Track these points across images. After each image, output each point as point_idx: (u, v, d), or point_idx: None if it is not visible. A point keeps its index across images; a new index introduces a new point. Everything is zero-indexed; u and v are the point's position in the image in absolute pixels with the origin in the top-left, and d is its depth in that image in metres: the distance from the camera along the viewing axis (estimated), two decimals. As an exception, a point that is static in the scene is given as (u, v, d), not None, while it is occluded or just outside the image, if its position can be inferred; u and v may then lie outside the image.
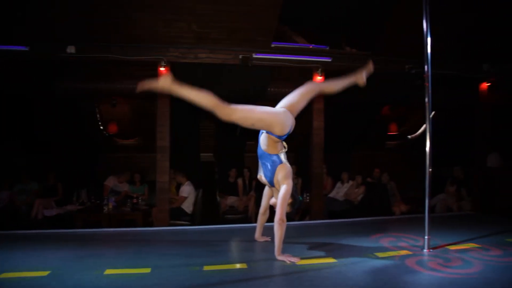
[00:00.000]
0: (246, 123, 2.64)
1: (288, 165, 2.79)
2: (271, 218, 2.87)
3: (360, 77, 3.11)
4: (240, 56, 5.67)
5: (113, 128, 8.66)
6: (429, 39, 2.97)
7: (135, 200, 6.45)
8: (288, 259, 2.53)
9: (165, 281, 2.18)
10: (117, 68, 6.33)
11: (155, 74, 5.66)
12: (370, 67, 3.13)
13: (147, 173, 7.74)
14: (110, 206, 6.01)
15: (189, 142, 8.36)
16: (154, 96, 5.74)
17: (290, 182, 2.69)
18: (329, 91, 3.04)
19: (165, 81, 2.51)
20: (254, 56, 5.71)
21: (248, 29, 5.36)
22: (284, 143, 2.87)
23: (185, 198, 6.32)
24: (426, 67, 2.99)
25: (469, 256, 2.64)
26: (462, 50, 6.20)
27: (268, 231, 2.97)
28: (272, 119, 2.68)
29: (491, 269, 2.34)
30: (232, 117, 2.58)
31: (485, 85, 6.82)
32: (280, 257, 2.57)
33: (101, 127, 8.56)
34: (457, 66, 6.49)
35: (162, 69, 5.54)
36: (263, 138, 2.84)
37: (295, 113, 2.88)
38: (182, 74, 6.06)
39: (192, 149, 8.68)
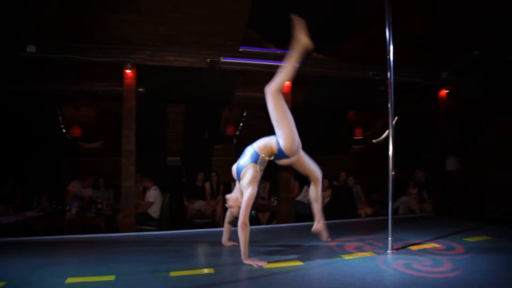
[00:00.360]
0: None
1: (259, 170, 2.83)
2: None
3: (301, 40, 3.08)
4: (208, 60, 5.66)
5: (76, 131, 8.38)
6: (391, 47, 3.07)
7: (99, 206, 6.27)
8: (255, 263, 2.54)
9: (130, 288, 2.14)
10: (81, 70, 6.15)
11: (121, 77, 5.55)
12: (299, 23, 3.08)
13: (112, 178, 7.54)
14: (73, 212, 5.81)
15: (155, 146, 8.24)
16: (120, 98, 5.63)
17: (255, 187, 2.72)
18: (285, 79, 3.01)
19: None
20: (222, 60, 5.71)
21: (216, 33, 5.36)
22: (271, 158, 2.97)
23: (152, 203, 6.21)
24: (389, 74, 3.09)
25: (430, 255, 2.75)
26: (423, 59, 6.46)
27: (235, 235, 2.96)
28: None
29: (449, 268, 2.44)
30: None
31: (443, 92, 7.13)
32: (247, 261, 2.58)
33: (64, 130, 8.27)
34: (419, 74, 6.76)
35: (128, 71, 5.44)
36: (269, 138, 2.97)
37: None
38: (148, 77, 6.03)
39: (159, 153, 8.55)
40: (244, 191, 2.74)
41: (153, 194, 6.26)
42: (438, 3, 5.34)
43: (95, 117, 8.27)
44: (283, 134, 2.84)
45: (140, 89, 5.92)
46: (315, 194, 3.28)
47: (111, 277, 2.29)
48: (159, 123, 7.83)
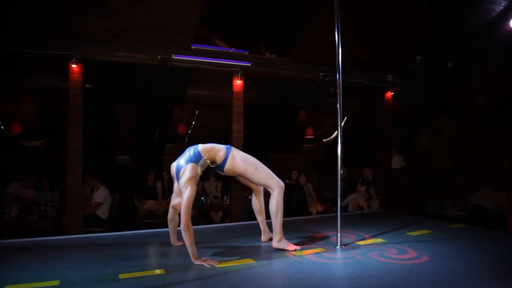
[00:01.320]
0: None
1: (199, 171, 2.78)
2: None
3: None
4: (159, 57, 5.54)
5: (16, 129, 7.88)
6: (340, 50, 3.17)
7: (43, 207, 5.95)
8: (206, 262, 2.52)
9: (76, 293, 2.05)
10: (23, 63, 5.79)
11: (66, 71, 5.29)
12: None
13: (57, 178, 7.18)
14: (13, 215, 5.47)
15: (104, 144, 7.95)
16: (65, 94, 5.36)
17: (194, 187, 2.65)
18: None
19: None
20: (174, 57, 5.62)
21: (167, 30, 5.26)
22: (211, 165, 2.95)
23: (100, 203, 5.99)
24: (337, 75, 3.19)
25: (376, 250, 2.88)
26: (370, 62, 6.74)
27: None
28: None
29: (393, 261, 2.57)
30: None
31: (389, 94, 7.48)
32: (197, 262, 2.55)
33: (2, 127, 7.75)
34: (366, 76, 7.04)
35: (74, 66, 5.19)
36: (222, 146, 2.95)
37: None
38: (96, 73, 5.80)
39: (107, 152, 8.26)
40: (183, 191, 2.67)
41: (101, 195, 6.04)
42: (383, 11, 5.61)
43: (38, 114, 7.83)
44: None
45: (88, 85, 5.68)
46: (258, 206, 3.24)
47: (55, 282, 2.18)
48: (107, 120, 7.56)
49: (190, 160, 2.77)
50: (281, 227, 2.92)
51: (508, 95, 7.18)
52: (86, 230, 5.51)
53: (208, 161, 2.87)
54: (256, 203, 3.25)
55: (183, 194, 2.65)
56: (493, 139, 7.74)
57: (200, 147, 2.88)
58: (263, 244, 3.15)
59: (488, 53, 7.54)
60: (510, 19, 5.90)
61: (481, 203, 6.75)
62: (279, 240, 2.91)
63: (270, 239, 3.16)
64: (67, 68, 5.19)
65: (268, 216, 3.08)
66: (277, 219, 2.91)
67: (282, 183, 2.97)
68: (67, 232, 5.35)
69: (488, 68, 7.67)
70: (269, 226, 3.14)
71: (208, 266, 2.48)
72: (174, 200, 2.96)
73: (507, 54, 7.06)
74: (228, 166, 2.90)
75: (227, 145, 2.99)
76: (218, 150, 2.91)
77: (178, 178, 2.80)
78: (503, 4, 6.19)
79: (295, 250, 2.86)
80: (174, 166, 2.90)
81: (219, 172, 3.03)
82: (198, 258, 2.57)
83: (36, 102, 7.55)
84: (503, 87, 7.26)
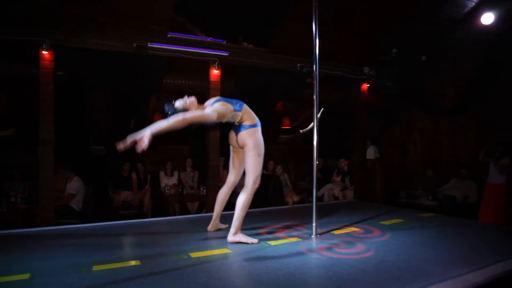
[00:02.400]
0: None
1: (228, 114, 2.86)
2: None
3: None
4: (135, 45, 5.42)
5: (-17, 118, 7.60)
6: (317, 41, 3.18)
7: (13, 199, 5.78)
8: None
9: (47, 287, 2.00)
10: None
11: (37, 58, 5.11)
12: None
13: (28, 169, 6.97)
14: (-19, 207, 5.30)
15: (77, 134, 7.76)
16: (35, 81, 5.19)
17: (215, 114, 2.75)
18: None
19: None
20: (150, 45, 5.51)
21: (143, 17, 5.16)
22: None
23: (73, 195, 5.87)
24: (314, 67, 3.21)
25: (350, 238, 2.94)
26: (347, 54, 6.81)
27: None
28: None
29: (366, 249, 2.63)
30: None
31: (365, 86, 7.59)
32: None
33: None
34: (343, 68, 7.10)
35: (44, 52, 5.02)
36: (251, 112, 3.01)
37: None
38: (69, 60, 5.64)
39: (81, 142, 8.07)
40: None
41: (74, 186, 5.92)
42: (360, 3, 5.65)
43: (7, 102, 7.55)
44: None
45: (60, 73, 5.52)
46: (223, 196, 3.22)
47: (25, 276, 2.12)
48: (81, 109, 7.37)
49: (232, 103, 2.87)
50: (240, 222, 2.87)
51: (477, 89, 7.40)
52: (59, 222, 5.39)
53: (238, 117, 2.90)
54: (224, 194, 3.22)
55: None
56: (462, 131, 7.99)
57: (245, 105, 2.96)
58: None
59: (460, 47, 7.75)
60: (481, 15, 6.06)
61: (451, 193, 6.98)
62: (235, 233, 2.85)
63: (217, 230, 3.23)
64: (37, 55, 5.02)
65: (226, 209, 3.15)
66: (240, 213, 2.86)
67: (258, 184, 2.95)
68: (39, 224, 5.21)
69: (459, 62, 7.89)
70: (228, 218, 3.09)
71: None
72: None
73: (478, 49, 7.28)
74: (244, 133, 2.91)
75: (258, 119, 3.02)
76: (251, 117, 2.96)
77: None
78: (474, 1, 6.37)
79: (251, 243, 2.80)
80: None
81: (233, 133, 3.01)
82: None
83: (5, 90, 7.28)
84: (472, 81, 7.49)
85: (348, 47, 6.66)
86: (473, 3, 6.45)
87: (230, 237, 2.86)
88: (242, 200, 2.89)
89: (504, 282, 2.16)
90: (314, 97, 3.16)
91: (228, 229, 2.99)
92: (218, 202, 3.22)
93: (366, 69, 7.37)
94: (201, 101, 2.97)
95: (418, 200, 7.16)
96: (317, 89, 3.18)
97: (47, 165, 5.15)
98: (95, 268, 2.26)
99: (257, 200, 3.19)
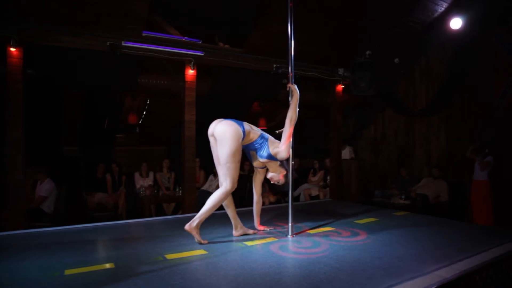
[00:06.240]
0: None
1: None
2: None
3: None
4: (108, 43, 5.31)
5: None
6: (293, 43, 3.21)
7: (-21, 202, 5.56)
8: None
9: (17, 291, 1.94)
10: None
11: (4, 55, 4.92)
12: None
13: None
14: None
15: (49, 134, 7.54)
16: (3, 80, 5.00)
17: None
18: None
19: None
20: (124, 44, 5.41)
21: (117, 15, 5.05)
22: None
23: (45, 197, 5.70)
24: (290, 68, 3.23)
25: (326, 237, 2.97)
26: (322, 55, 6.89)
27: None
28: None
29: (341, 248, 2.67)
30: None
31: (340, 87, 7.69)
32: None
33: None
34: (318, 69, 7.18)
35: (12, 49, 4.84)
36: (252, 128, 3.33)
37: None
38: (39, 58, 5.47)
39: (53, 142, 7.85)
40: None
41: (46, 188, 5.75)
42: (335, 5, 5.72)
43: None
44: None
45: (29, 71, 5.34)
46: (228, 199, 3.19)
47: (-6, 281, 2.06)
48: (52, 109, 7.17)
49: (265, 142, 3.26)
50: (203, 217, 2.86)
51: (447, 90, 7.63)
52: (30, 225, 5.22)
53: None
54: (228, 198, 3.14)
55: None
56: (434, 131, 8.22)
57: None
58: (216, 235, 3.15)
59: (431, 50, 7.98)
60: (450, 20, 6.26)
61: (423, 191, 7.16)
62: (196, 226, 2.84)
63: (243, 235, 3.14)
64: (4, 52, 4.84)
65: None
66: (208, 208, 2.85)
67: (234, 188, 2.93)
68: (8, 228, 5.03)
69: (430, 64, 8.12)
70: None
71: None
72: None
73: (448, 51, 7.52)
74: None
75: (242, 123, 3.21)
76: (252, 132, 3.32)
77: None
78: (444, 6, 6.57)
79: (199, 242, 2.82)
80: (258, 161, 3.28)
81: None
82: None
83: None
84: (443, 83, 7.71)
85: (323, 49, 6.73)
86: (443, 8, 6.65)
87: (188, 226, 2.84)
88: (217, 196, 2.91)
89: (471, 276, 2.24)
90: (290, 98, 3.18)
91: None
92: (226, 206, 3.15)
93: (341, 71, 7.49)
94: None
95: (392, 199, 7.31)
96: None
97: (16, 166, 4.97)
98: (67, 272, 2.21)
99: (234, 200, 3.19)
